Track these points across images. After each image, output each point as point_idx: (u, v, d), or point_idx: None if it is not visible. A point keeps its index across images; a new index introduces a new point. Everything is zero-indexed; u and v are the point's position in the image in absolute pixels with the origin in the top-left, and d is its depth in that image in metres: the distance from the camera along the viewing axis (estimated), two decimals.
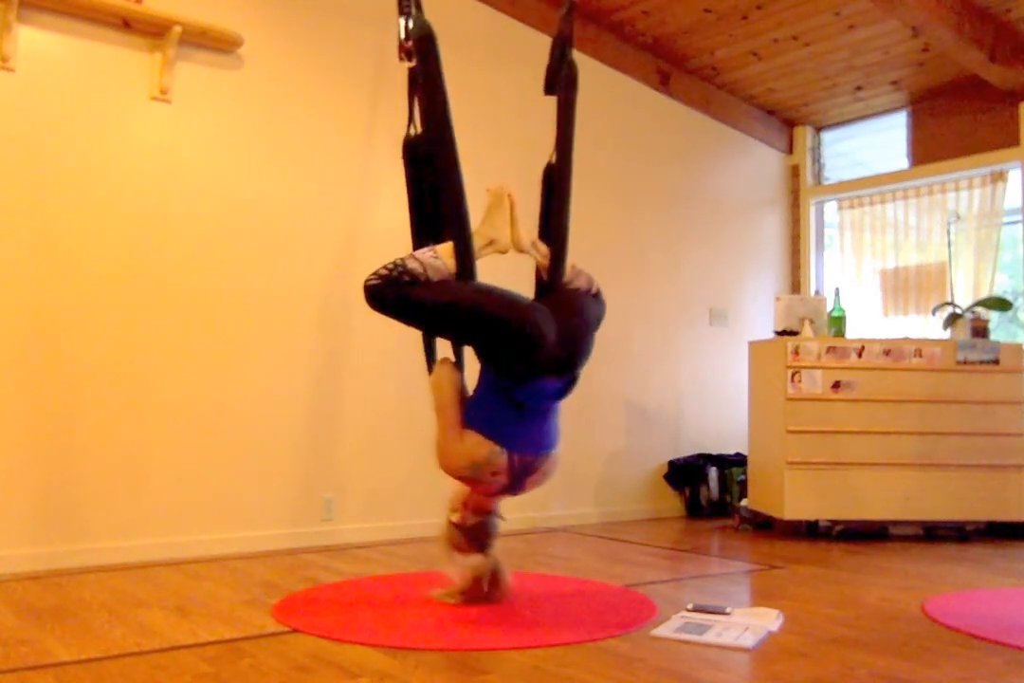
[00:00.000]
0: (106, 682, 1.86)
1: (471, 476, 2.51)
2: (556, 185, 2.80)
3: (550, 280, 2.74)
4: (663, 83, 5.23)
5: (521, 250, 2.73)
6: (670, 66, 5.23)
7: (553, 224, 2.78)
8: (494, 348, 2.46)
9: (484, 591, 2.61)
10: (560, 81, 2.86)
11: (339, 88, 4.01)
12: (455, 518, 2.69)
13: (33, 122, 3.27)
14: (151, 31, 3.47)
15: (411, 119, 2.89)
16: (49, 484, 3.21)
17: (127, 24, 3.43)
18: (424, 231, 2.80)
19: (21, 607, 2.54)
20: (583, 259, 4.93)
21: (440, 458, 2.54)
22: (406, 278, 2.46)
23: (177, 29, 3.45)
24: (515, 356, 2.44)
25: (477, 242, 2.63)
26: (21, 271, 3.21)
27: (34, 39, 3.28)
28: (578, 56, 4.82)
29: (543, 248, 2.75)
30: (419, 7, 2.94)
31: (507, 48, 4.55)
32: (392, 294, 2.47)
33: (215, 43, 3.62)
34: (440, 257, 2.53)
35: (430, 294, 2.46)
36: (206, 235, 3.61)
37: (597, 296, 2.80)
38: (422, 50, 2.62)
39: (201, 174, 3.62)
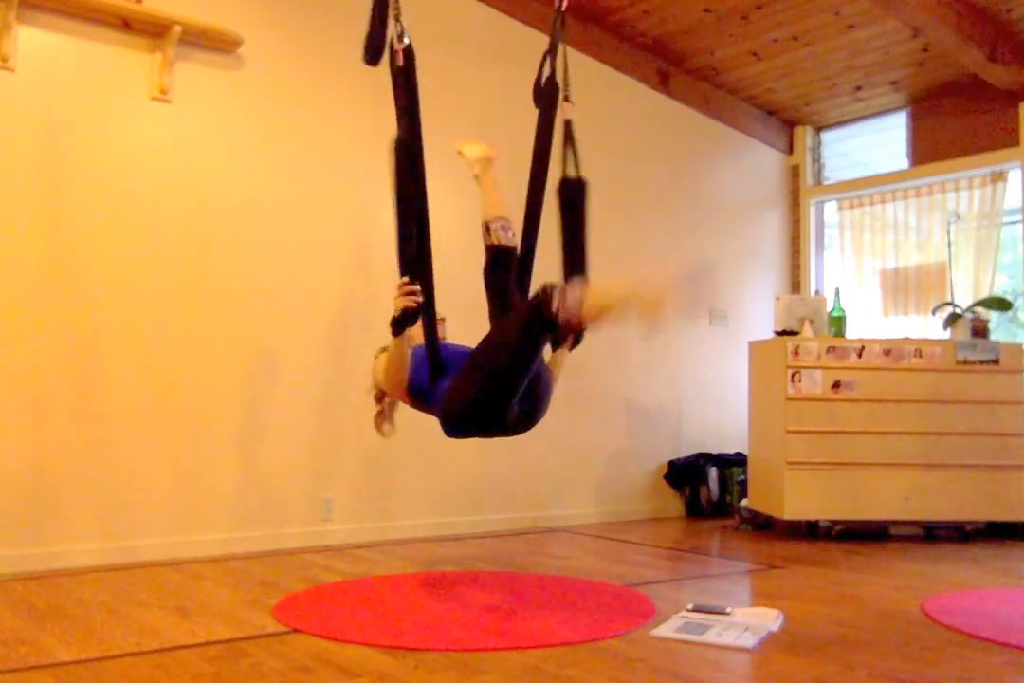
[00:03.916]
0: (106, 682, 1.86)
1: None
2: (528, 201, 2.78)
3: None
4: (663, 83, 5.22)
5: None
6: (670, 66, 5.23)
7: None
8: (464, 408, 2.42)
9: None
10: (542, 99, 2.82)
11: (339, 87, 4.01)
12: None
13: (33, 122, 3.26)
14: (151, 31, 3.47)
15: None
16: (49, 485, 3.21)
17: (127, 24, 3.43)
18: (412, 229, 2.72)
19: (21, 607, 2.54)
20: None
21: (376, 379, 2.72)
22: None
23: (177, 29, 3.45)
24: (475, 422, 2.44)
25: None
26: (21, 271, 3.21)
27: (34, 39, 3.28)
28: (578, 56, 4.88)
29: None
30: (398, 19, 2.60)
31: (505, 47, 4.54)
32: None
33: (215, 43, 3.62)
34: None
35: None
36: (206, 235, 3.61)
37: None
38: (407, 67, 2.58)
39: (201, 174, 3.61)
